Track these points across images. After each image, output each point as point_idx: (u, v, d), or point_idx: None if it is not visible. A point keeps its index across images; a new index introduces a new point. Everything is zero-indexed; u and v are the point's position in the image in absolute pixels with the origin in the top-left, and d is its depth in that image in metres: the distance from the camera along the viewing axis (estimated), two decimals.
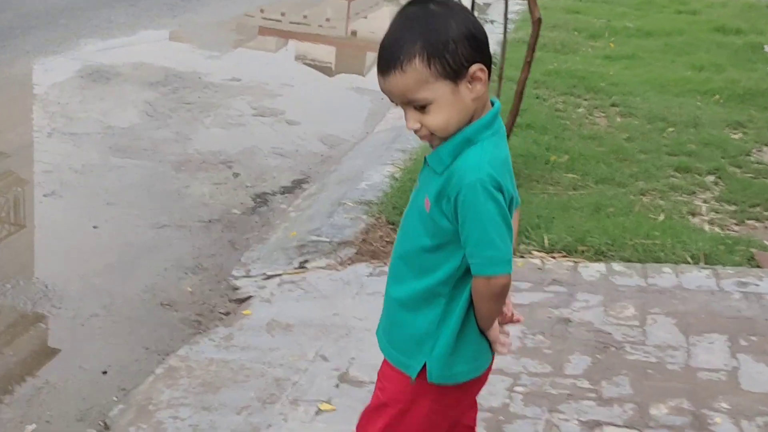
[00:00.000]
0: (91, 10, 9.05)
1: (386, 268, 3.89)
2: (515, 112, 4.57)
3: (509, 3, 12.02)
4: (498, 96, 4.61)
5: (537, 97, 6.79)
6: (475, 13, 4.50)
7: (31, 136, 5.57)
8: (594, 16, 10.18)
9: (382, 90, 1.73)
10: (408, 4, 1.77)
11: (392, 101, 1.75)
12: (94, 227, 4.37)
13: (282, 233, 4.43)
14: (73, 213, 4.55)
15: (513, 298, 3.55)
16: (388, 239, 4.13)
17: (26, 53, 7.32)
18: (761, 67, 8.02)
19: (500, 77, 4.55)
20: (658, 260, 3.87)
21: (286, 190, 5.06)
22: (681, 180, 5.24)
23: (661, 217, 4.54)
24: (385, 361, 1.94)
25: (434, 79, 1.67)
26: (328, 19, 11.57)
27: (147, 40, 8.36)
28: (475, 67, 1.69)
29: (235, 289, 3.88)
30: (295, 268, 4.00)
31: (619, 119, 6.50)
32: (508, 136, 4.72)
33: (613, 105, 6.81)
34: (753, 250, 4.10)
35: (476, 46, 1.70)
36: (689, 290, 3.55)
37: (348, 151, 5.78)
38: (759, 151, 5.98)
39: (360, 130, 6.22)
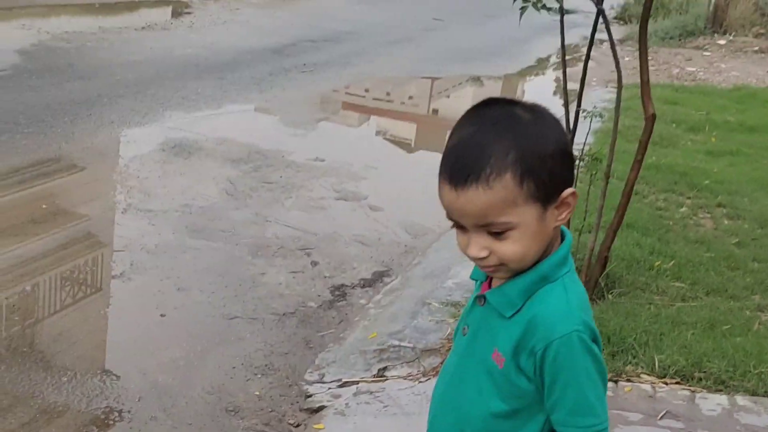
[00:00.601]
0: (180, 81, 9.03)
1: None
2: (622, 213, 4.17)
3: (600, 91, 11.60)
4: (604, 195, 4.22)
5: (636, 194, 6.33)
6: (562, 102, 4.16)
7: (107, 212, 5.38)
8: (693, 108, 9.72)
9: (449, 205, 1.41)
10: (485, 105, 1.48)
11: (454, 219, 1.42)
12: (162, 315, 4.09)
13: (360, 333, 4.07)
14: (141, 298, 4.28)
15: (621, 430, 3.12)
16: None
17: (111, 123, 7.23)
18: None
19: (607, 176, 4.16)
20: None
21: (366, 283, 4.72)
22: None
23: None
24: None
25: (523, 201, 1.37)
26: (411, 97, 11.48)
27: (232, 114, 8.24)
28: (568, 191, 1.42)
29: (308, 396, 3.53)
30: (374, 376, 3.63)
31: (726, 221, 6.02)
32: (613, 239, 4.34)
33: (719, 205, 6.33)
34: None
35: (570, 166, 1.45)
36: None
37: (433, 242, 5.43)
38: None
39: (445, 219, 5.87)
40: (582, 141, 4.43)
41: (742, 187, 6.71)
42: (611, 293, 4.35)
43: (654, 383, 3.46)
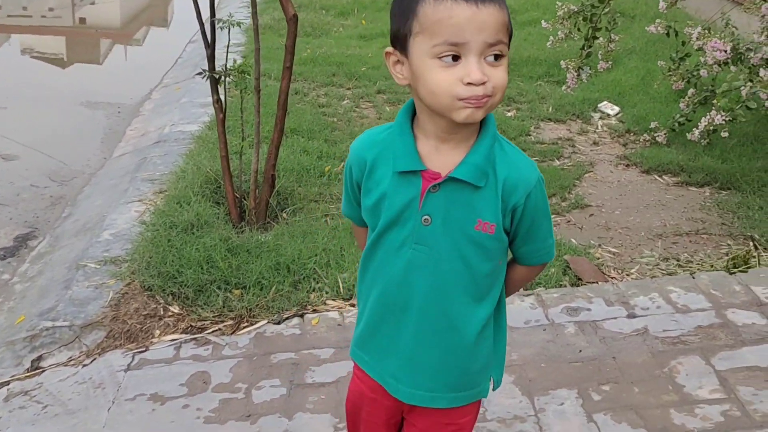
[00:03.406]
0: None
1: (148, 354, 3.07)
2: (281, 126, 3.83)
3: None
4: (258, 111, 3.85)
5: (296, 93, 6.09)
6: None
7: None
8: None
9: (465, 23, 1.40)
10: None
11: (457, 43, 1.41)
12: None
13: (5, 319, 3.43)
14: None
15: (313, 374, 2.86)
16: (146, 312, 3.27)
17: None
18: (516, 33, 7.78)
19: (257, 90, 3.77)
20: None
21: (7, 253, 4.03)
22: None
23: None
24: (445, 412, 1.70)
25: (508, 39, 1.48)
26: (51, 9, 10.34)
27: None
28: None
29: None
30: (27, 371, 3.06)
31: (388, 108, 5.95)
32: (276, 155, 4.02)
33: (379, 92, 6.26)
34: (566, 257, 3.66)
35: None
36: (517, 329, 3.01)
37: (84, 186, 4.79)
38: (537, 128, 5.65)
39: (96, 156, 5.22)
40: (225, 53, 3.98)
41: None
42: (285, 212, 4.05)
43: (341, 308, 3.24)
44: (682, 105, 4.91)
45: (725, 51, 3.83)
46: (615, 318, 3.02)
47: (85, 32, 9.61)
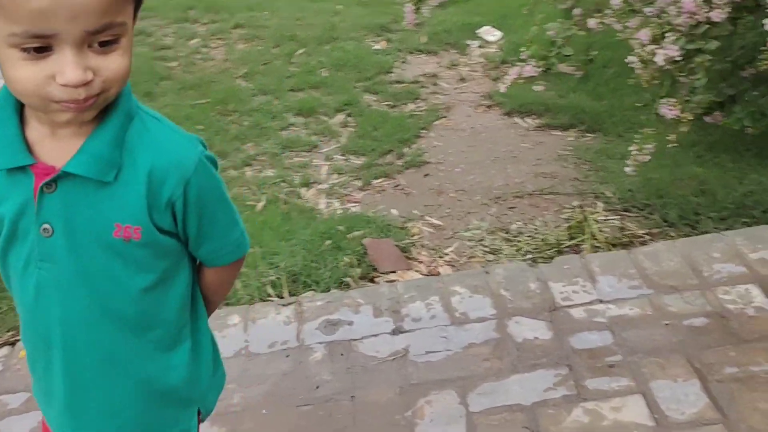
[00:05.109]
0: None
1: None
2: None
3: None
4: None
5: (140, 33, 5.40)
6: None
7: None
8: None
9: (50, 6, 0.98)
10: None
11: (47, 33, 1.00)
12: None
13: None
14: None
15: None
16: None
17: None
18: None
19: None
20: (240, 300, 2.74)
21: None
22: (301, 129, 4.15)
23: (261, 204, 3.44)
24: None
25: (129, 12, 1.08)
26: None
27: None
28: None
29: None
30: None
31: (240, 46, 5.27)
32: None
33: (236, 26, 5.57)
34: (365, 240, 3.09)
35: None
36: (257, 356, 2.42)
37: None
38: (403, 62, 5.00)
39: None
40: None
41: None
42: None
43: None
44: (551, 32, 4.27)
45: None
46: (376, 335, 2.45)
47: None
